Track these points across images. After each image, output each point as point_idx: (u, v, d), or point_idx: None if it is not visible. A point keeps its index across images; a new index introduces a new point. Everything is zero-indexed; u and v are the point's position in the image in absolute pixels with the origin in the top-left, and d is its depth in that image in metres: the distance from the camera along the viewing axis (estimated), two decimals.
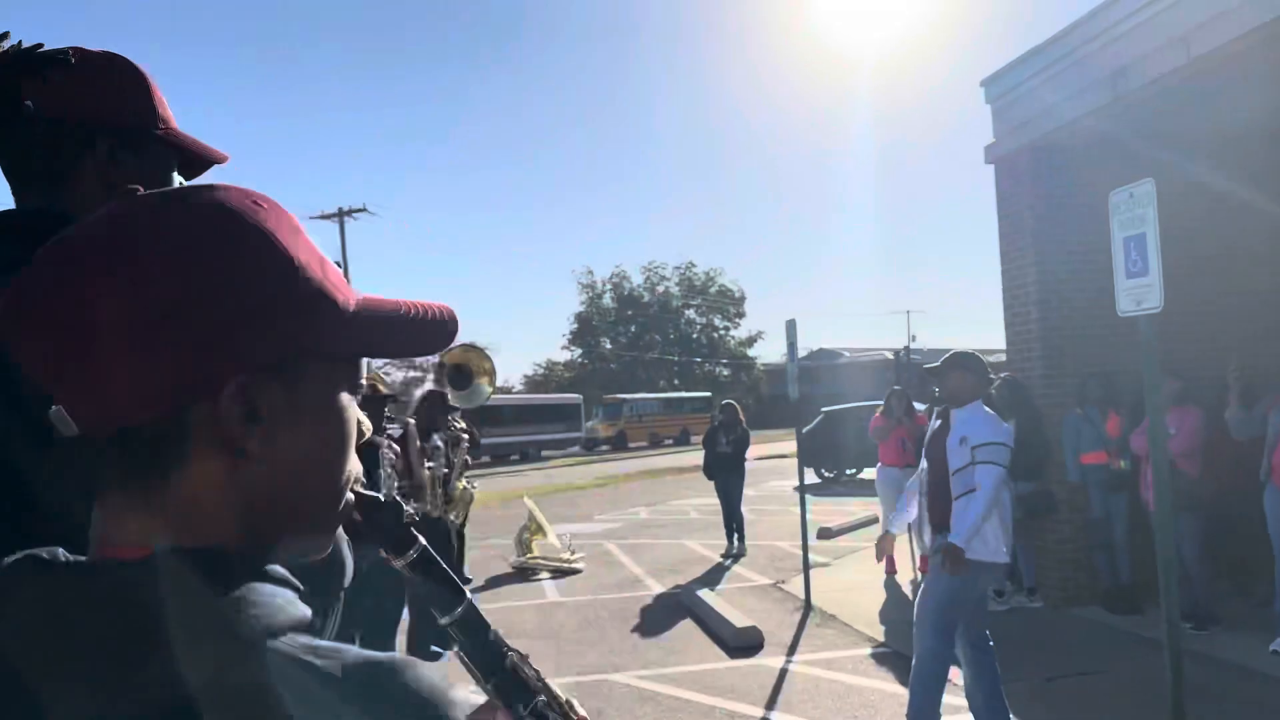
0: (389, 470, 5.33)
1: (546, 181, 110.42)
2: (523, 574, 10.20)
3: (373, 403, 6.21)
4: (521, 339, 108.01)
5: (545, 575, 10.09)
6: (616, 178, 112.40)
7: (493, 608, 8.54)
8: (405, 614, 6.69)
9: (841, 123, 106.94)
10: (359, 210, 36.34)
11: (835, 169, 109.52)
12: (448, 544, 7.01)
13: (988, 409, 4.65)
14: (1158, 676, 4.15)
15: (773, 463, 26.16)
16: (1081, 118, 6.77)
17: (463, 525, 9.92)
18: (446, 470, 6.79)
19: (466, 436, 7.39)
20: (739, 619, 7.02)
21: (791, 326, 8.10)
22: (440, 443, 6.97)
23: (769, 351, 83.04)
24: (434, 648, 6.83)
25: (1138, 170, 4.21)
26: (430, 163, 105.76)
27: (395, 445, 6.28)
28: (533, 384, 75.09)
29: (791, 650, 6.58)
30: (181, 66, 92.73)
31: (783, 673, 6.04)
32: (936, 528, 4.63)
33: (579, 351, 73.35)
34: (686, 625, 7.45)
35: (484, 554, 11.74)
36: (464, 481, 6.98)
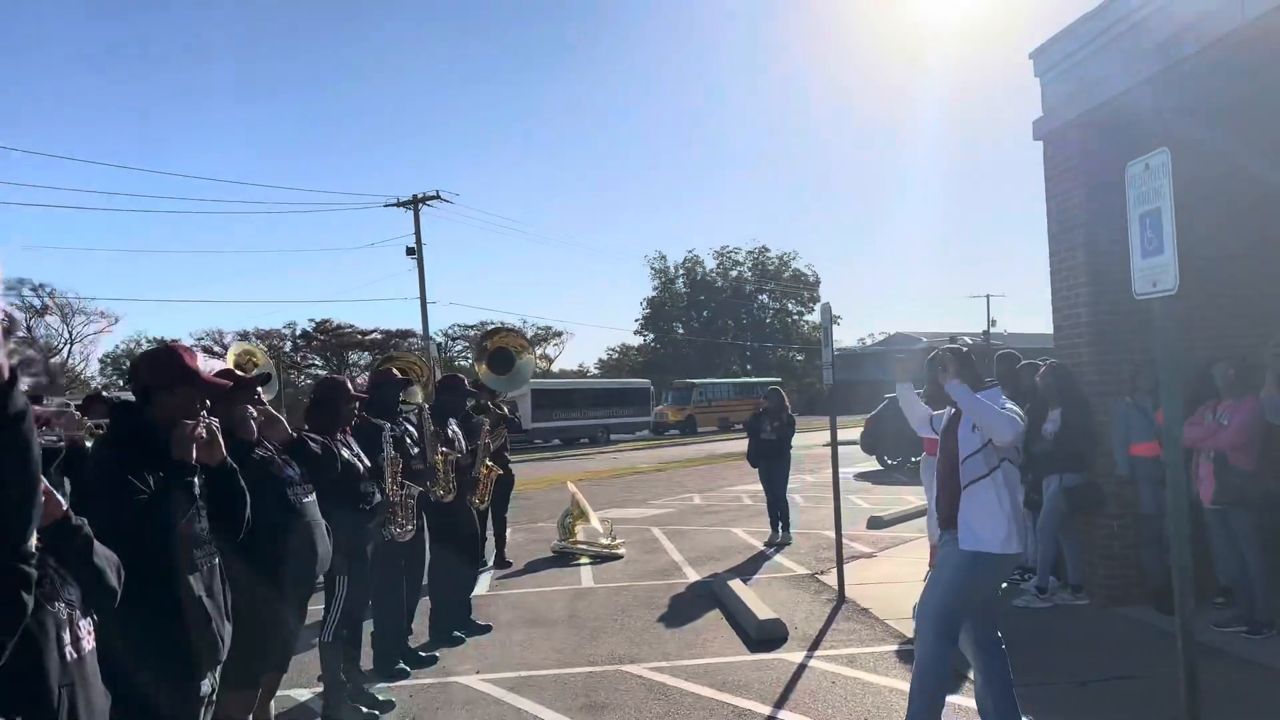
0: (392, 453, 5.28)
1: (619, 167, 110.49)
2: (563, 559, 10.15)
3: (387, 388, 6.19)
4: (596, 323, 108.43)
5: (585, 560, 10.03)
6: (691, 162, 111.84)
7: (524, 593, 8.51)
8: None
9: (918, 102, 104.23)
10: (432, 197, 36.80)
11: (912, 149, 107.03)
12: (473, 529, 6.96)
13: (1006, 399, 4.37)
14: (1204, 684, 3.85)
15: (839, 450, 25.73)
16: (1132, 89, 6.34)
17: (502, 508, 9.94)
18: (463, 454, 6.71)
19: (487, 421, 7.32)
20: (764, 611, 6.83)
21: (826, 310, 7.85)
22: (457, 428, 6.92)
23: (844, 335, 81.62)
24: (456, 633, 6.82)
25: (1191, 145, 3.91)
26: (504, 150, 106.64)
27: (412, 430, 6.25)
28: (607, 368, 75.46)
29: (814, 645, 6.37)
30: (259, 51, 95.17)
31: (800, 669, 5.84)
32: (944, 521, 4.39)
33: (651, 336, 73.31)
34: (713, 616, 7.29)
35: (528, 538, 11.73)
36: (488, 465, 6.89)
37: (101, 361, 68.60)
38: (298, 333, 69.13)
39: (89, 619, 2.09)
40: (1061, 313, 7.45)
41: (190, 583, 2.85)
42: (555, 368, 75.91)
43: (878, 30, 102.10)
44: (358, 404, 5.34)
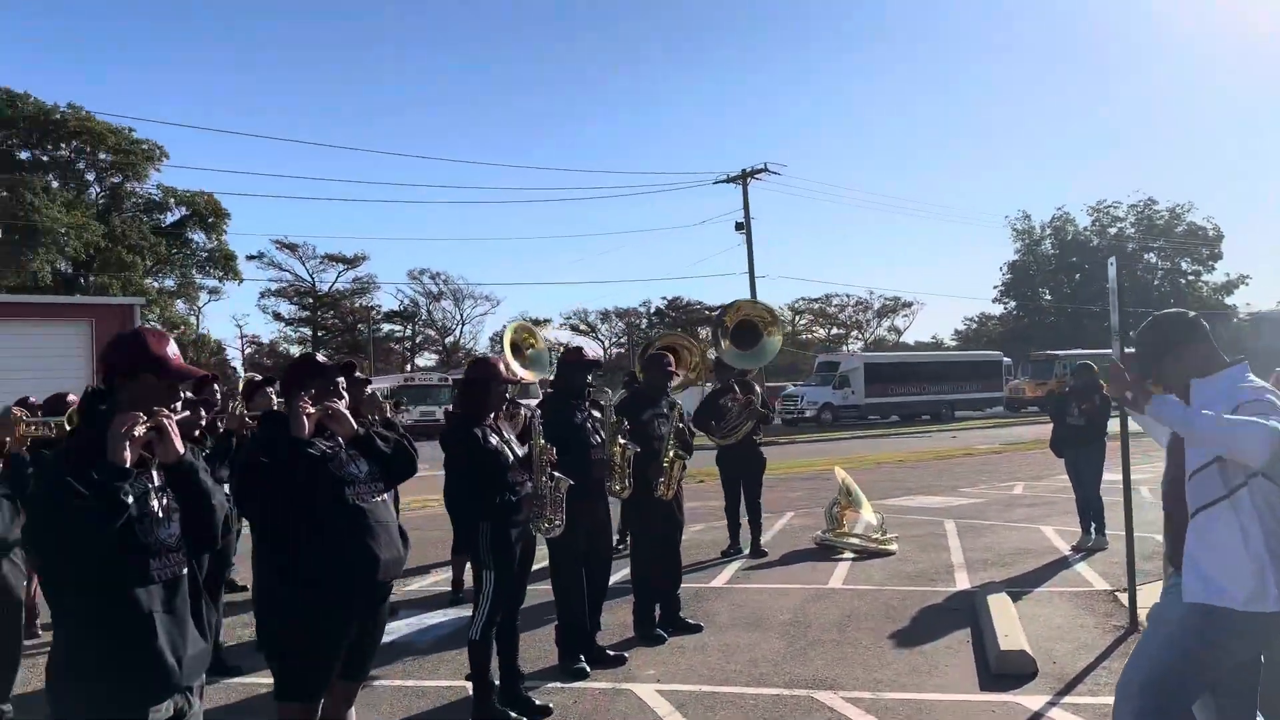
0: (543, 443, 4.89)
1: (974, 120, 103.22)
2: (825, 552, 9.28)
3: (574, 369, 5.81)
4: (950, 292, 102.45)
5: (848, 555, 9.09)
6: (1057, 110, 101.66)
7: (759, 589, 7.80)
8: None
9: None
10: (760, 170, 36.52)
11: None
12: (671, 522, 6.42)
13: (1252, 376, 3.01)
14: None
15: None
16: None
17: (755, 493, 9.27)
18: (651, 443, 6.17)
19: (679, 403, 6.69)
20: (1011, 638, 5.60)
21: (1111, 265, 6.30)
22: (666, 411, 6.40)
23: (1257, 296, 70.28)
24: (659, 630, 6.32)
25: None
26: (841, 113, 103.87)
27: (596, 415, 5.84)
28: (963, 339, 71.28)
29: (1068, 688, 5.07)
30: (599, 47, 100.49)
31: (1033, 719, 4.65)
32: (1171, 557, 3.14)
33: (1013, 304, 67.68)
34: (959, 637, 6.14)
35: (806, 524, 10.94)
36: (671, 453, 6.28)
37: (491, 340, 77.18)
38: (651, 310, 73.01)
39: None
40: None
41: (138, 597, 2.61)
42: (908, 339, 72.89)
43: None
44: (509, 387, 5.04)
